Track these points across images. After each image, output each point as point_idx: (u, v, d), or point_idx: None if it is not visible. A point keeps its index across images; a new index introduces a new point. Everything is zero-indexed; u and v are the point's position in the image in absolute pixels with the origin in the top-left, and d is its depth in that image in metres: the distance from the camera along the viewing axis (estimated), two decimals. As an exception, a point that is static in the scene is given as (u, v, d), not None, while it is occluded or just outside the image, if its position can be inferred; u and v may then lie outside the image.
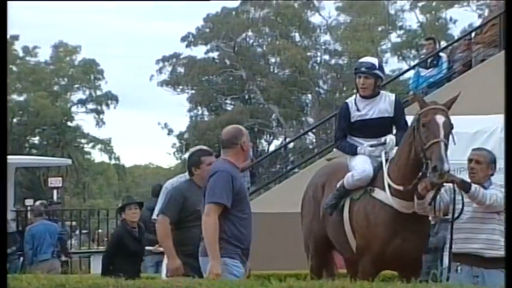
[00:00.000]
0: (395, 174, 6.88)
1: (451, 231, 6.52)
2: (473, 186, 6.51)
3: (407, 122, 7.31)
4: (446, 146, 6.45)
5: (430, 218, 7.09)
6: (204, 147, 7.43)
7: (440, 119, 6.55)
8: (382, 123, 7.33)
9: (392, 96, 7.47)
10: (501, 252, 6.55)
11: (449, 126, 6.57)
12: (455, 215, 6.52)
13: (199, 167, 6.95)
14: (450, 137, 6.60)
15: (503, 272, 6.54)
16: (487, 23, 15.16)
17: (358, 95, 7.46)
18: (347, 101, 7.62)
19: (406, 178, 6.77)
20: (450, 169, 6.36)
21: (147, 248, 12.74)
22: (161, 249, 12.83)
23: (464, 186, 6.51)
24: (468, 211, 6.52)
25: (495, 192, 6.56)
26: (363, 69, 7.42)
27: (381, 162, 7.09)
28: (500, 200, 6.54)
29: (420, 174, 6.59)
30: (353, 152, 7.30)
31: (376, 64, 7.51)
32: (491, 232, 6.57)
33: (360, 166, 7.16)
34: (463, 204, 6.50)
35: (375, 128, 7.32)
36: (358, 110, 7.35)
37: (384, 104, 7.35)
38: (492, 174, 6.78)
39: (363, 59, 7.76)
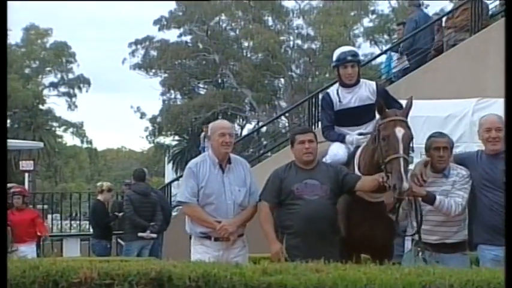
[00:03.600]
0: (362, 173, 6.87)
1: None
2: (438, 198, 6.53)
3: (399, 102, 7.24)
4: (406, 160, 6.37)
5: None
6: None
7: (399, 131, 6.45)
8: (363, 110, 7.28)
9: (373, 85, 7.41)
10: (461, 238, 6.72)
11: (409, 138, 6.49)
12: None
13: (293, 146, 6.93)
14: (410, 146, 6.53)
15: (465, 255, 6.78)
16: (458, 7, 15.26)
17: (339, 85, 7.40)
18: (328, 91, 7.57)
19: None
20: (410, 187, 6.31)
21: (139, 234, 12.85)
22: (153, 235, 12.92)
23: (429, 200, 6.54)
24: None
25: (459, 200, 6.60)
26: (349, 57, 7.35)
27: (355, 151, 7.10)
28: (463, 206, 6.62)
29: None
30: (341, 140, 7.27)
31: (356, 51, 7.55)
32: (450, 225, 6.68)
33: (333, 150, 7.20)
34: (421, 216, 6.53)
35: (356, 116, 7.28)
36: (340, 101, 7.31)
37: (365, 92, 7.29)
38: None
39: (341, 49, 7.60)
